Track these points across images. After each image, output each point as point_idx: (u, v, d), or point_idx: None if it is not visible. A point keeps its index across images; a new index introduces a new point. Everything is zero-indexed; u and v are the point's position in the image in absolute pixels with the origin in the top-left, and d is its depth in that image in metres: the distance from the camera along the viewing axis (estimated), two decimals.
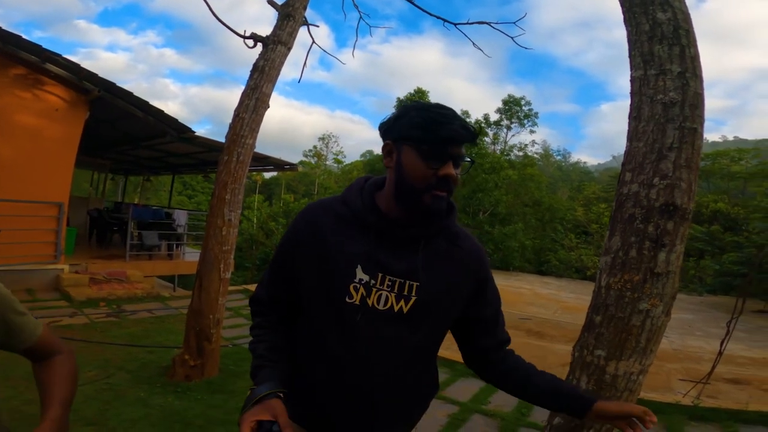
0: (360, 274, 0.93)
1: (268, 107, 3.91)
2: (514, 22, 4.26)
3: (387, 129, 0.96)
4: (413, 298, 0.93)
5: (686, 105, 1.42)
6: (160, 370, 3.78)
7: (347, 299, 0.93)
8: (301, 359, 1.01)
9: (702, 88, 1.47)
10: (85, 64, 6.19)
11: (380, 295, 0.93)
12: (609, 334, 1.48)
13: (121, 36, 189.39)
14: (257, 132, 3.83)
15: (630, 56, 1.58)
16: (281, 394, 0.89)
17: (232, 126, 3.77)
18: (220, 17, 3.80)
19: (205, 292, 3.69)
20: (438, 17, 4.59)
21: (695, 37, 1.52)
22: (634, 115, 1.52)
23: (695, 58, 1.48)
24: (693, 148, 1.42)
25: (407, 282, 0.93)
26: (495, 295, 1.07)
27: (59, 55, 5.98)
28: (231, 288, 8.48)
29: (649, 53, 1.51)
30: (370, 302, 0.93)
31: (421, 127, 0.88)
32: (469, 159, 0.93)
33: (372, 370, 0.93)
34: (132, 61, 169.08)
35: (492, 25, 4.33)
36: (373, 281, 0.93)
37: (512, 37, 4.29)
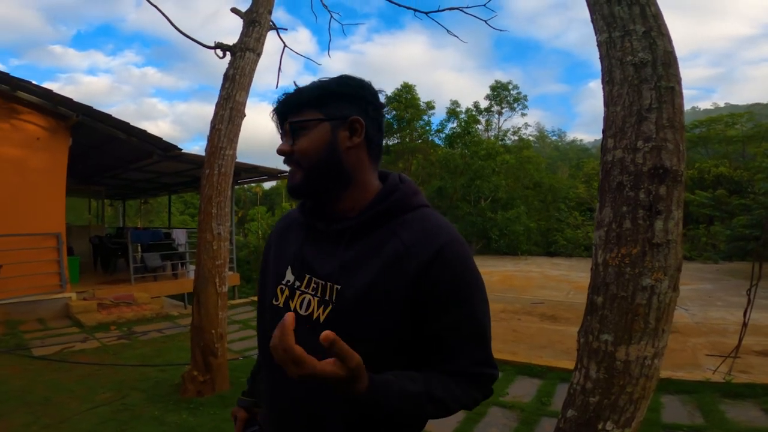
0: (288, 275, 0.86)
1: (245, 116, 3.84)
2: (484, 4, 4.14)
3: None
4: (330, 306, 0.78)
5: (658, 64, 1.35)
6: (173, 387, 3.80)
7: (273, 301, 0.86)
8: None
9: (672, 46, 1.39)
10: (68, 89, 6.33)
11: (303, 299, 0.82)
12: (613, 316, 1.38)
13: (99, 58, 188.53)
14: (236, 142, 3.77)
15: (592, 21, 1.52)
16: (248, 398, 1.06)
17: (209, 138, 3.71)
18: (194, 32, 3.76)
19: (204, 308, 3.66)
20: (408, 7, 4.50)
21: None
22: (607, 80, 1.45)
23: (658, 16, 1.40)
24: (674, 107, 1.34)
25: (329, 285, 0.79)
26: (457, 306, 0.76)
27: (29, 82, 5.91)
28: (240, 301, 8.49)
29: (610, 15, 1.44)
30: (292, 305, 0.83)
31: None
32: (295, 121, 0.80)
33: (290, 384, 0.74)
34: (115, 82, 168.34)
35: (464, 10, 4.22)
36: (298, 283, 0.83)
37: (485, 20, 4.19)
